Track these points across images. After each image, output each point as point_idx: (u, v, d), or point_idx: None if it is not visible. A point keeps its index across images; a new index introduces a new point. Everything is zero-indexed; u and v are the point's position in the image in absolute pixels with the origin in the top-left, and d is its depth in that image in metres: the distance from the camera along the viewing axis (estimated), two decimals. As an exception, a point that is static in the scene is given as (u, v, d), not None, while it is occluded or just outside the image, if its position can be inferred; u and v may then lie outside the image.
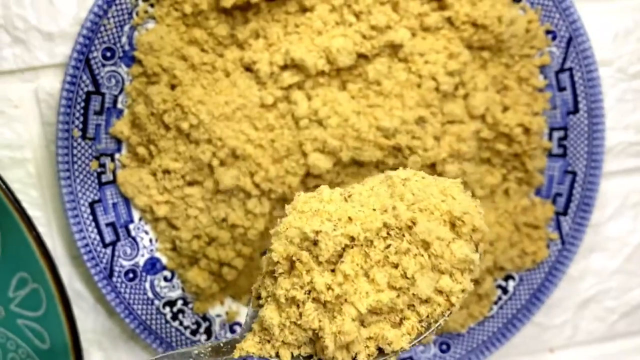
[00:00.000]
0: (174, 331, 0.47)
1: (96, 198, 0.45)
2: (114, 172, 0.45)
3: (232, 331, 0.48)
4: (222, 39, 0.44)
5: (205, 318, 0.47)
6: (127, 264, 0.46)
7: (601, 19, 0.50)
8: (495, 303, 0.49)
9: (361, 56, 0.44)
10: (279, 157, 0.44)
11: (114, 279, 0.45)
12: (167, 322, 0.46)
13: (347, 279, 0.30)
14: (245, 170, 0.44)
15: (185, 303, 0.47)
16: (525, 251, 0.48)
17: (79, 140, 0.44)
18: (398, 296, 0.31)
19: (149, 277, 0.46)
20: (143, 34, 0.43)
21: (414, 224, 0.31)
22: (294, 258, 0.31)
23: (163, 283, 0.47)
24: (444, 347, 0.49)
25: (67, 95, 0.43)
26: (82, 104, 0.43)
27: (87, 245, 0.44)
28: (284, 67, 0.44)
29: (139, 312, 0.46)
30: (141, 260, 0.46)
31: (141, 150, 0.45)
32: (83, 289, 0.48)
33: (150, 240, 0.47)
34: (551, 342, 0.54)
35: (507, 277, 0.49)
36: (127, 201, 0.46)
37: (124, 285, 0.45)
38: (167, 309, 0.47)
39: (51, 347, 0.43)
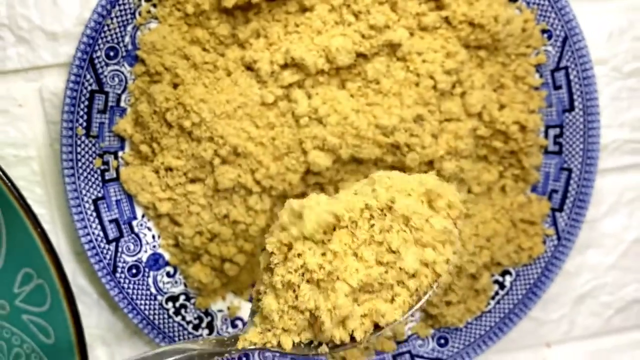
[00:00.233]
0: (177, 326, 0.47)
1: (100, 195, 0.45)
2: (117, 170, 0.46)
3: (234, 326, 0.48)
4: (224, 39, 0.45)
5: (207, 313, 0.48)
6: (130, 259, 0.46)
7: (596, 18, 0.50)
8: (493, 298, 0.50)
9: (360, 55, 0.44)
10: (279, 154, 0.45)
11: (118, 275, 0.46)
12: (169, 317, 0.47)
13: (336, 256, 0.32)
14: (246, 167, 0.44)
15: (188, 298, 0.47)
16: (522, 247, 0.49)
17: (83, 138, 0.44)
18: (387, 271, 0.33)
19: (152, 273, 0.47)
20: (146, 33, 0.44)
21: (393, 203, 0.33)
22: (284, 241, 0.33)
23: (166, 279, 0.47)
24: (442, 341, 0.50)
25: (71, 94, 0.43)
26: (86, 103, 0.43)
27: (90, 241, 0.45)
28: (285, 66, 0.44)
29: (142, 307, 0.46)
30: (144, 256, 0.47)
31: (144, 148, 0.45)
32: (87, 284, 0.48)
33: (153, 237, 0.47)
34: (548, 337, 0.54)
35: (504, 273, 0.50)
36: (130, 198, 0.46)
37: (127, 280, 0.46)
38: (170, 304, 0.47)
39: (56, 342, 0.43)
